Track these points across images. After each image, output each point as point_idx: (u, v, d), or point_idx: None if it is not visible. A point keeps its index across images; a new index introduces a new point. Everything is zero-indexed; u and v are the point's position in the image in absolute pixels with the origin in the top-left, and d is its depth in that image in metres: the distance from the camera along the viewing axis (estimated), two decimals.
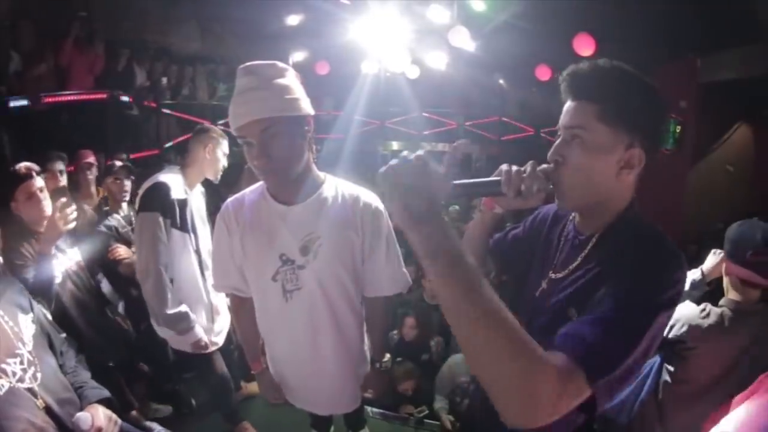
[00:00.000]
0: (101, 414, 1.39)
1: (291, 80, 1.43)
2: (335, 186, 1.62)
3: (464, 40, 6.17)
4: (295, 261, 1.55)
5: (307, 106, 1.45)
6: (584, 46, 5.75)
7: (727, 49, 5.54)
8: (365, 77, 10.21)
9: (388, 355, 1.87)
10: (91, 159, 3.72)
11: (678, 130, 6.49)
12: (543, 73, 8.27)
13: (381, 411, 3.13)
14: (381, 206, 1.62)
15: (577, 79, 1.05)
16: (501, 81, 11.77)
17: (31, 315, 1.43)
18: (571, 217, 1.22)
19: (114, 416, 1.43)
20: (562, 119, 1.08)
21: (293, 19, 7.49)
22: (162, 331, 2.36)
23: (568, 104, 1.07)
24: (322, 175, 1.61)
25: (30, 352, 1.33)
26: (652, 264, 0.95)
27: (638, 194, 1.09)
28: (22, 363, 1.28)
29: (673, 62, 6.23)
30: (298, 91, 1.44)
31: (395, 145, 13.96)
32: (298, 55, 8.96)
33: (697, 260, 2.17)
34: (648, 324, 0.89)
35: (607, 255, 1.05)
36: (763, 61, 5.02)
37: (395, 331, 3.95)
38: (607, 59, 1.05)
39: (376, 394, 1.93)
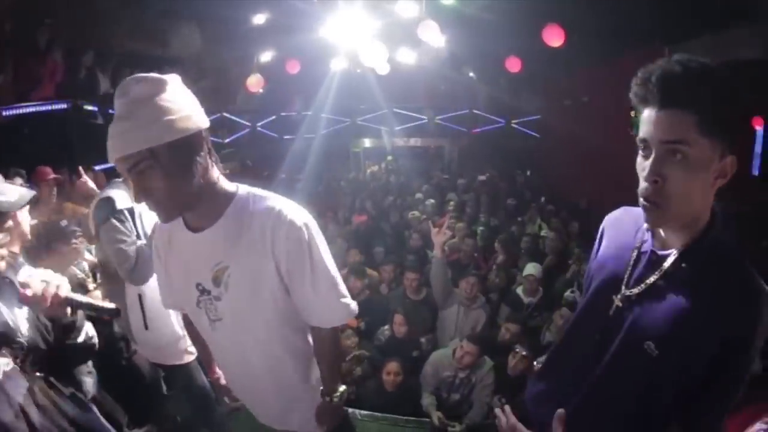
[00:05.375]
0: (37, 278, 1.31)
1: (170, 95, 1.23)
2: (246, 202, 1.38)
3: (433, 35, 6.15)
4: (211, 292, 1.40)
5: (191, 123, 1.24)
6: (553, 37, 5.80)
7: (695, 37, 5.62)
8: (334, 75, 10.16)
9: (342, 388, 1.61)
10: (52, 175, 3.71)
11: None
12: (513, 65, 8.33)
13: (369, 413, 3.12)
14: (301, 221, 1.36)
15: (672, 84, 0.91)
16: (471, 74, 11.85)
17: (25, 311, 1.44)
18: (645, 227, 1.11)
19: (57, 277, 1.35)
20: (653, 132, 0.94)
21: (260, 18, 7.38)
22: (143, 349, 2.32)
23: (657, 113, 0.94)
24: (232, 189, 1.39)
25: (28, 341, 1.37)
26: (751, 320, 0.94)
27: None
28: (22, 349, 1.34)
29: (641, 51, 6.33)
30: (180, 107, 1.23)
31: (367, 143, 14.00)
32: (267, 55, 8.86)
33: None
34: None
35: (690, 285, 0.99)
36: (731, 48, 5.11)
37: (386, 327, 3.95)
38: (687, 57, 0.93)
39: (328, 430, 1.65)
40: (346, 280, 4.03)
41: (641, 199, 1.00)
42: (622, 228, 1.19)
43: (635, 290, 1.06)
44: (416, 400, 3.38)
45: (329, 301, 1.44)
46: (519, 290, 4.55)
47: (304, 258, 1.36)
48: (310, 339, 1.56)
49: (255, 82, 8.42)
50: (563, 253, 5.55)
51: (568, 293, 4.17)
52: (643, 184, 0.98)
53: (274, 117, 12.15)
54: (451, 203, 7.87)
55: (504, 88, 11.56)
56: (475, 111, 12.64)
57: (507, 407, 1.10)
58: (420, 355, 3.79)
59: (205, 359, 1.81)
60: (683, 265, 1.01)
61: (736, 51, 5.06)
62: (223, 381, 1.77)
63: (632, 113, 6.80)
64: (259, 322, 1.42)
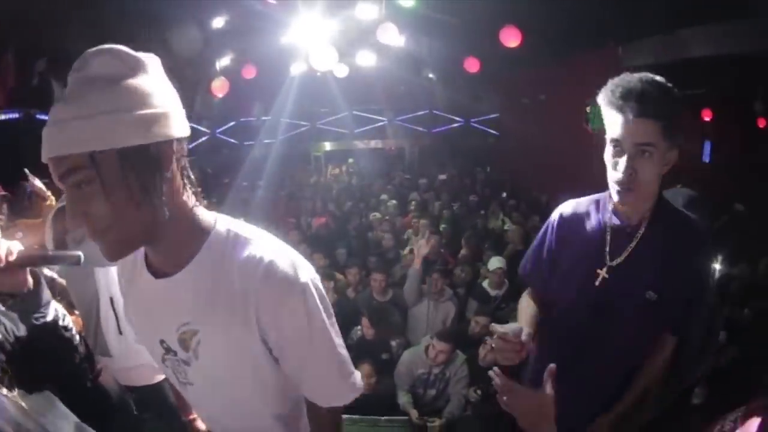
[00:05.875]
0: None
1: (144, 81, 0.86)
2: (225, 244, 0.98)
3: (393, 37, 6.21)
4: (178, 353, 1.05)
5: (162, 126, 0.86)
6: (511, 38, 5.95)
7: (647, 37, 5.86)
8: (293, 79, 10.09)
9: None
10: (1, 192, 3.61)
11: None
12: (471, 65, 8.48)
13: (348, 416, 3.11)
14: (300, 280, 0.98)
15: (647, 99, 1.19)
16: (430, 75, 12.00)
17: None
18: (610, 207, 1.41)
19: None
20: (627, 135, 1.23)
21: (219, 22, 7.25)
22: (119, 361, 2.26)
23: (632, 121, 1.21)
24: (208, 223, 0.99)
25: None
26: (707, 255, 1.44)
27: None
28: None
29: (596, 50, 6.59)
30: (152, 102, 0.86)
31: (327, 146, 13.99)
32: (226, 59, 8.72)
33: None
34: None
35: (664, 243, 1.33)
36: (681, 47, 5.37)
37: (358, 327, 3.94)
38: (651, 77, 1.24)
39: None
40: None
41: (615, 185, 1.28)
42: (588, 215, 1.47)
43: (620, 259, 1.37)
44: (392, 399, 3.39)
45: (330, 380, 1.09)
46: (485, 284, 4.60)
47: (301, 330, 1.00)
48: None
49: (220, 86, 8.28)
50: (525, 243, 5.67)
51: None
52: (617, 175, 1.27)
53: (233, 123, 11.97)
54: (413, 203, 7.94)
55: (463, 88, 11.74)
56: (435, 111, 12.82)
57: (496, 368, 1.19)
58: (390, 358, 3.78)
59: (178, 401, 1.56)
60: (652, 229, 1.35)
61: (685, 49, 5.33)
62: (200, 424, 1.54)
63: (587, 109, 7.05)
64: (239, 395, 1.11)
